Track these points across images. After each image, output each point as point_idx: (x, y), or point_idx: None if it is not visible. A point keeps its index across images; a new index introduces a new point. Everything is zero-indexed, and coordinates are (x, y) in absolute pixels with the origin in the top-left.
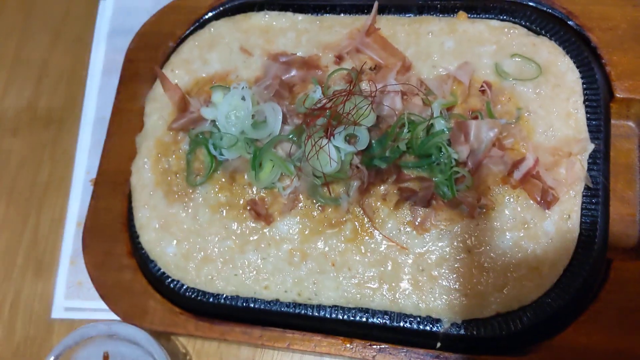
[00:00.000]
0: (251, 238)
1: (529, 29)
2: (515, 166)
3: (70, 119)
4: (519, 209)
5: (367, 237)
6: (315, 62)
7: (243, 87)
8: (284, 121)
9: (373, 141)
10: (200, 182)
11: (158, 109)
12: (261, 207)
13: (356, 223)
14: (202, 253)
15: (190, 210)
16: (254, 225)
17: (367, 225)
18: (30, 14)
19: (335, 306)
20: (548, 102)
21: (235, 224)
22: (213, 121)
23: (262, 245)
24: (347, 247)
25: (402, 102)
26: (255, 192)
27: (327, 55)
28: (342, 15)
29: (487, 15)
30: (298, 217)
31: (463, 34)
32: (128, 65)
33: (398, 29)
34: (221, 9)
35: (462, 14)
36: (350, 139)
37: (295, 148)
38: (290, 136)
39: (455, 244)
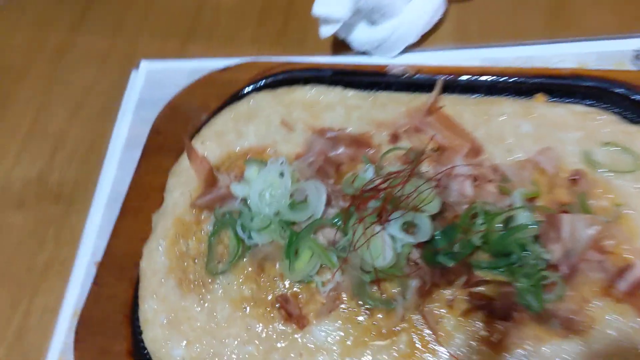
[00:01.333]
0: (278, 344)
1: (621, 115)
2: (620, 274)
3: (82, 195)
4: (628, 330)
5: (428, 355)
6: (366, 140)
7: (282, 162)
8: (328, 203)
9: (437, 232)
10: (222, 270)
11: (182, 184)
12: (294, 305)
13: (414, 335)
14: (216, 359)
15: (206, 305)
16: (283, 328)
17: (428, 339)
18: (53, 84)
19: None
20: None
21: (260, 325)
22: (244, 199)
23: (292, 355)
24: None
25: (473, 189)
26: (287, 287)
27: (381, 134)
28: (397, 93)
29: (569, 100)
30: (339, 322)
31: (541, 118)
32: (154, 137)
33: (463, 109)
34: (262, 83)
35: (540, 97)
36: (408, 227)
37: (339, 235)
38: (335, 220)
39: None
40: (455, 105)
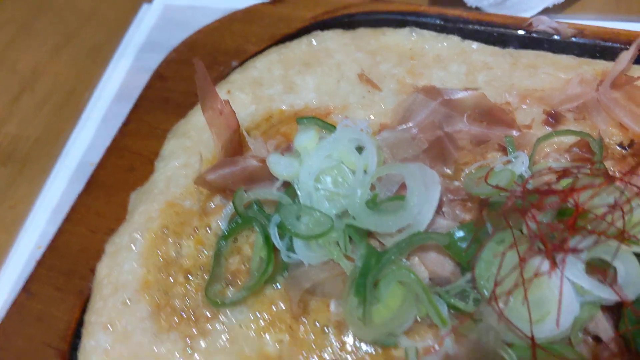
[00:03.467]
0: None
1: None
2: None
3: (42, 159)
4: None
5: None
6: (505, 115)
7: (362, 128)
8: (438, 209)
9: None
10: (232, 300)
11: (186, 149)
12: None
13: None
14: None
15: (196, 356)
16: None
17: None
18: (40, 7)
19: None
20: None
21: None
22: (288, 185)
23: None
24: None
25: None
26: (349, 350)
27: (530, 109)
28: (551, 54)
29: None
30: None
31: None
32: (156, 84)
33: None
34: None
35: None
36: (596, 271)
37: (457, 269)
38: (455, 239)
39: None
40: None
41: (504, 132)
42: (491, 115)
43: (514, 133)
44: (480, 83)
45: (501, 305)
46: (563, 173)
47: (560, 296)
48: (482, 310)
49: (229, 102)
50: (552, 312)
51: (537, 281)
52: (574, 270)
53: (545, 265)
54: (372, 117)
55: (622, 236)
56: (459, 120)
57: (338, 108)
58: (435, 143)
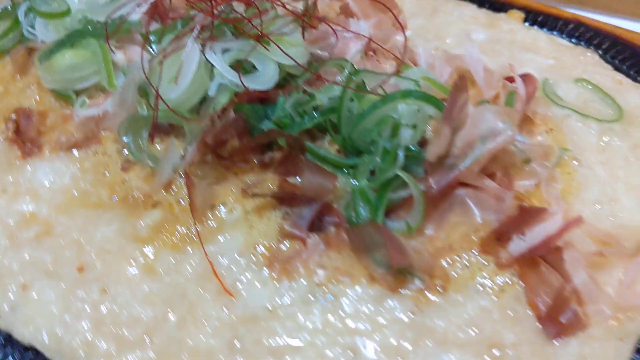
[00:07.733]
0: None
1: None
2: (518, 226)
3: None
4: (495, 314)
5: (189, 248)
6: None
7: None
8: (160, 18)
9: (282, 98)
10: None
11: None
12: (33, 125)
13: (170, 215)
14: None
15: None
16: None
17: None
18: None
19: None
20: (618, 162)
21: None
22: None
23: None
24: (131, 247)
25: (360, 56)
26: (37, 100)
27: None
28: None
29: (554, 33)
30: (76, 166)
31: (507, 34)
32: None
33: None
34: None
35: (516, 13)
36: (240, 65)
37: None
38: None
39: (341, 339)
40: None
41: None
42: None
43: None
44: None
45: (148, 71)
46: None
47: (186, 64)
48: (132, 71)
49: None
50: (178, 76)
51: (179, 53)
52: (214, 55)
53: (189, 43)
54: None
55: (259, 37)
56: None
57: None
58: None
